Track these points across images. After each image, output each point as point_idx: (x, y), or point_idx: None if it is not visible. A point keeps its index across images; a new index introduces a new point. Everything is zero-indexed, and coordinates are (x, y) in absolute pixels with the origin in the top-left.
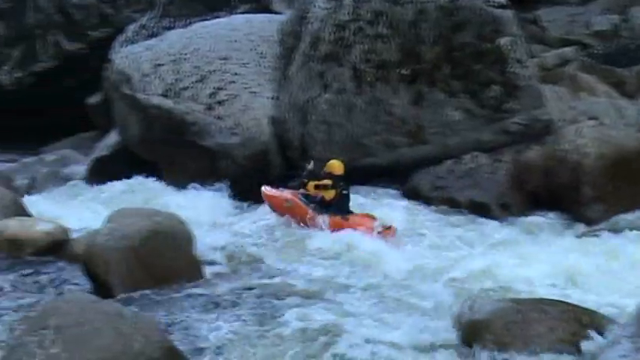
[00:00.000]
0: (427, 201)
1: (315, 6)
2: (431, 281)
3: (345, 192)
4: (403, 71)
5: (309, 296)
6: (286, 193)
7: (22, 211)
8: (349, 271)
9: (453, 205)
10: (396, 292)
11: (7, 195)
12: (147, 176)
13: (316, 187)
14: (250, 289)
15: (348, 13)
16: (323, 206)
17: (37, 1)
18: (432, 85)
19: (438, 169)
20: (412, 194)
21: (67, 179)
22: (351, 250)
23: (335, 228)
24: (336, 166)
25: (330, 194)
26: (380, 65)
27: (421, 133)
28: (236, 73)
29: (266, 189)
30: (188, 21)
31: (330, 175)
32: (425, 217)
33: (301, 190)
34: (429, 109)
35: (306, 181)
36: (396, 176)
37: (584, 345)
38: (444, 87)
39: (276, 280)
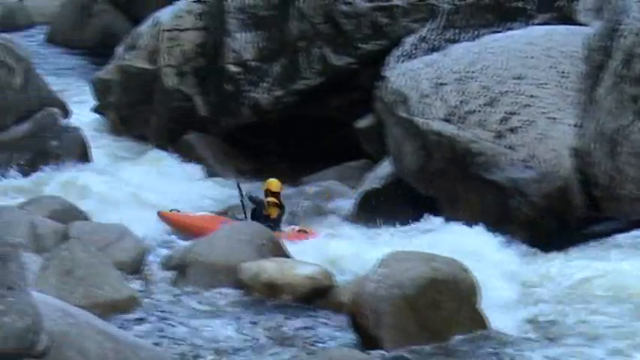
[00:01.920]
0: None
1: (628, 16)
2: None
3: (282, 209)
4: None
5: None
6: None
7: (279, 251)
8: None
9: None
10: None
11: (265, 232)
12: (424, 214)
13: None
14: (545, 349)
15: None
16: (267, 224)
17: (301, 8)
18: None
19: None
20: None
21: (331, 215)
22: None
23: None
24: (274, 184)
25: (274, 212)
26: None
27: None
28: (532, 95)
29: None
30: (476, 33)
31: (272, 193)
32: None
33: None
34: None
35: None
36: None
37: None
38: None
39: (576, 339)
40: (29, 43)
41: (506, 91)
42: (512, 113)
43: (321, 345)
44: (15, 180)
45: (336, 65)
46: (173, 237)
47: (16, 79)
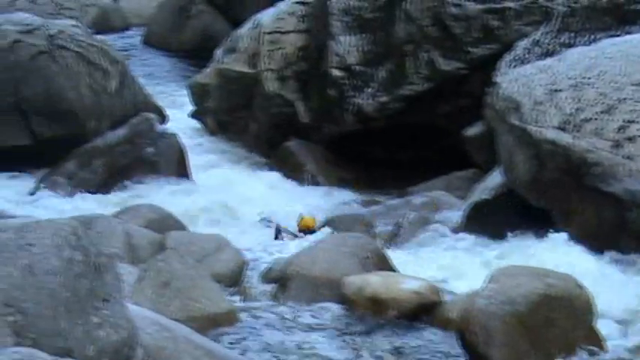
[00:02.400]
0: None
1: None
2: None
3: None
4: None
5: None
6: None
7: (385, 265)
8: None
9: None
10: None
11: (368, 244)
12: (536, 226)
13: None
14: None
15: None
16: None
17: (408, 10)
18: None
19: None
20: None
21: (438, 227)
22: None
23: None
24: (311, 221)
25: None
26: None
27: None
28: None
29: None
30: (593, 37)
31: (310, 231)
32: None
33: None
34: None
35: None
36: None
37: None
38: None
39: None
40: (125, 45)
41: (625, 99)
42: (631, 121)
43: None
44: (109, 188)
45: (444, 70)
46: (274, 248)
47: (111, 82)
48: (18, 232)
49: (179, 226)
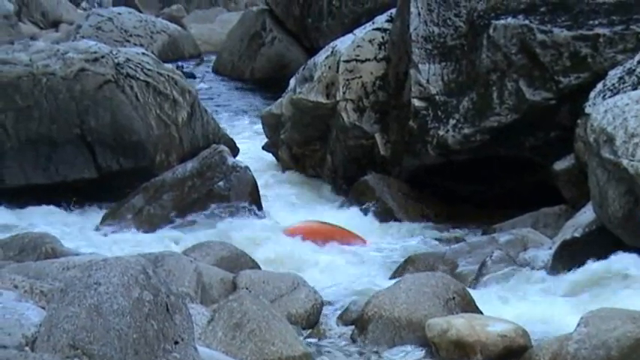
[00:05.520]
0: None
1: None
2: None
3: None
4: None
5: None
6: None
7: (469, 306)
8: None
9: None
10: None
11: (452, 284)
12: (631, 266)
13: None
14: None
15: None
16: None
17: (493, 37)
18: None
19: None
20: None
21: (525, 266)
22: None
23: None
24: None
25: None
26: None
27: None
28: None
29: None
30: None
31: None
32: None
33: None
34: None
35: None
36: None
37: None
38: None
39: None
40: (195, 73)
41: None
42: None
43: None
44: (179, 223)
45: (532, 100)
46: (351, 288)
47: (180, 113)
48: (84, 271)
49: (252, 264)
